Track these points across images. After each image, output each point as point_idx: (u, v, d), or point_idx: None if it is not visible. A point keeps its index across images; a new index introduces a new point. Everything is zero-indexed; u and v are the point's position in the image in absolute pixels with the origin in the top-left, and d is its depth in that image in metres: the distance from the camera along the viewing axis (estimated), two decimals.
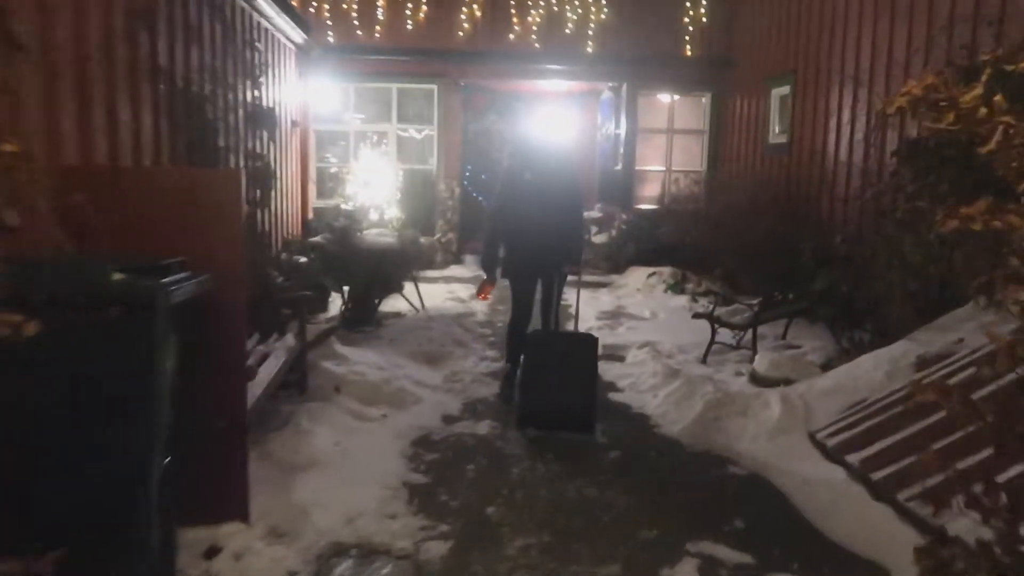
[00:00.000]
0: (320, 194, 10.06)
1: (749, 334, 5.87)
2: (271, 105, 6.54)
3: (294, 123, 8.02)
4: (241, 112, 5.69)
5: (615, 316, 7.51)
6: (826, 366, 5.35)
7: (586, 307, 7.82)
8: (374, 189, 8.70)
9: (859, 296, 5.30)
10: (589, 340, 4.67)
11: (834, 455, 3.94)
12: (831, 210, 7.65)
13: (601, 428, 4.53)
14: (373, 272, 6.75)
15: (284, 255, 6.56)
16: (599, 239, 10.07)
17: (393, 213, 8.35)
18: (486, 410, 4.81)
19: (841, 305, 5.55)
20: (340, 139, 10.54)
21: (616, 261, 10.09)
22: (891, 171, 5.61)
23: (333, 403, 4.50)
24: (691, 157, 11.08)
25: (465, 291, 8.72)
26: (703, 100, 10.92)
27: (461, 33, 10.10)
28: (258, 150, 6.06)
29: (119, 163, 3.55)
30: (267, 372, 3.64)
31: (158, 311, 2.30)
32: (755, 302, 6.07)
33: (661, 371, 5.52)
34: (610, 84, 10.88)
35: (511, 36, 10.20)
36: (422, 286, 8.46)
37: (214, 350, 2.88)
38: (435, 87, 10.51)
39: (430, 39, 10.09)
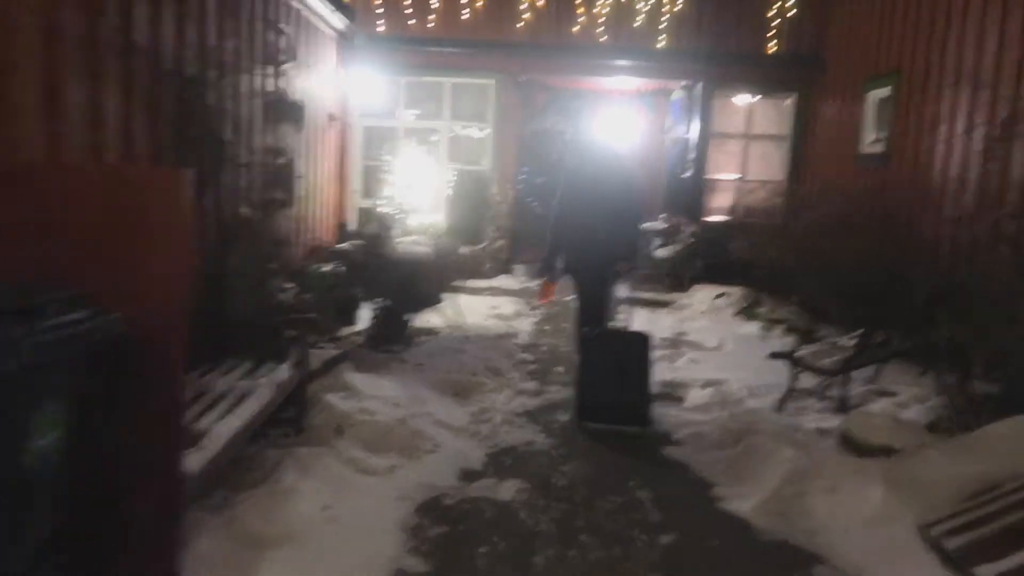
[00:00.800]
0: (368, 195, 9.45)
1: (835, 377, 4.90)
2: (299, 96, 5.90)
3: (331, 117, 7.39)
4: (259, 103, 5.05)
5: (675, 344, 6.61)
6: (933, 426, 4.37)
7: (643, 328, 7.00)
8: (417, 191, 8.01)
9: (984, 343, 4.28)
10: (641, 337, 4.86)
11: (958, 562, 3.00)
12: (936, 233, 6.56)
13: (652, 496, 3.70)
14: (404, 284, 6.05)
15: (310, 264, 5.92)
16: (663, 253, 9.14)
17: (435, 218, 7.64)
18: (514, 465, 4.02)
19: (957, 352, 4.53)
20: (390, 136, 9.89)
21: (680, 278, 9.14)
22: None
23: (331, 449, 3.79)
24: (769, 166, 10.02)
25: (511, 306, 7.94)
26: (786, 103, 9.85)
27: (521, 24, 9.32)
28: (280, 146, 5.43)
29: (67, 157, 2.90)
30: (231, 427, 2.93)
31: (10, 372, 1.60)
32: (845, 340, 5.10)
33: (728, 421, 4.64)
34: (682, 83, 9.93)
35: (575, 28, 9.37)
36: (464, 298, 7.74)
37: (138, 409, 2.18)
38: (492, 82, 9.77)
39: (488, 30, 9.35)
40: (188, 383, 3.06)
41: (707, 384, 5.45)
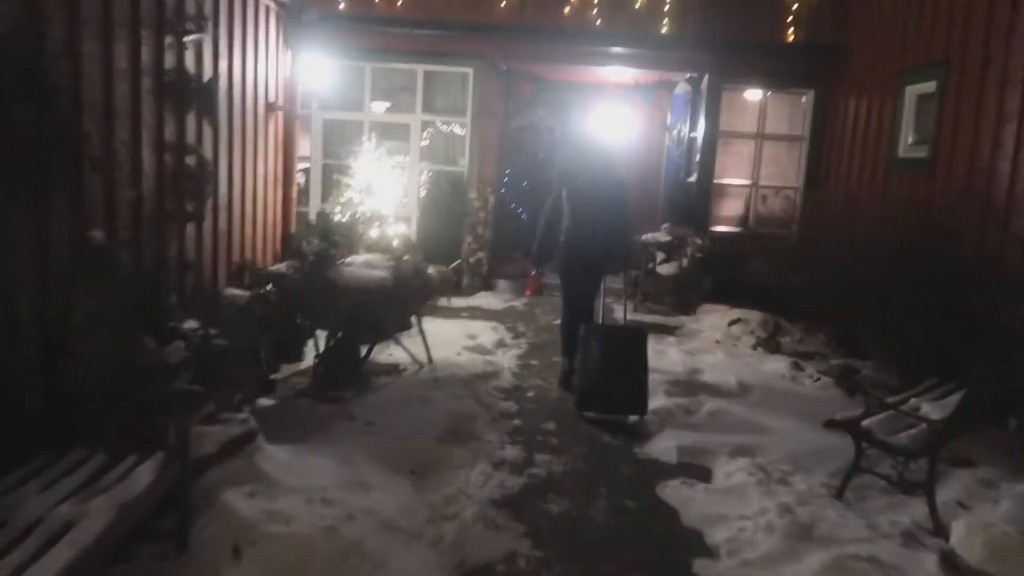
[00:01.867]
0: (326, 199, 8.17)
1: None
2: (213, 76, 4.62)
3: (271, 106, 6.11)
4: (149, 83, 3.79)
5: (690, 388, 5.41)
6: None
7: (651, 368, 5.82)
8: (382, 196, 6.77)
9: None
10: (639, 330, 5.28)
11: None
12: (1001, 253, 5.44)
13: None
14: (355, 315, 4.83)
15: (230, 290, 4.67)
16: (666, 269, 7.97)
17: (403, 228, 6.41)
18: None
19: None
20: (356, 131, 8.62)
21: (686, 297, 7.97)
22: None
23: None
24: (784, 169, 8.88)
25: (491, 334, 6.71)
26: (803, 99, 8.70)
27: (504, 4, 8.09)
28: (186, 141, 4.17)
29: None
30: None
31: None
32: (921, 401, 3.92)
33: (775, 516, 3.46)
34: (687, 75, 8.75)
35: (566, 10, 8.15)
36: (436, 323, 6.52)
37: None
38: (470, 71, 8.53)
39: (465, 10, 8.11)
40: None
41: (738, 451, 4.27)
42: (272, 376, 5.07)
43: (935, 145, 6.47)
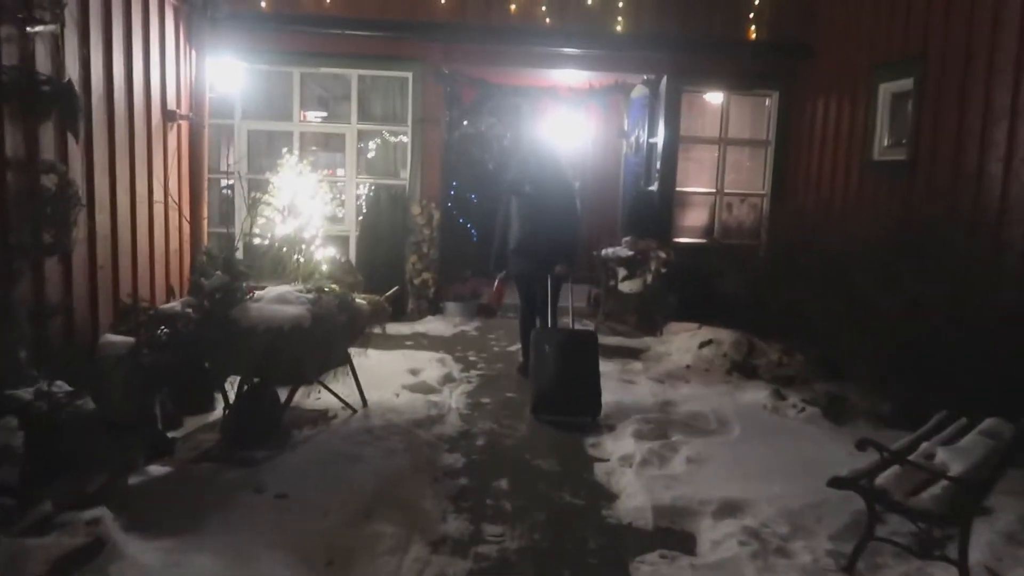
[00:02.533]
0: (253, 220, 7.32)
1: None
2: (82, 78, 3.79)
3: (171, 115, 5.28)
4: None
5: (662, 425, 4.74)
6: None
7: (614, 397, 5.20)
8: (310, 216, 5.98)
9: None
10: (589, 334, 5.41)
11: None
12: (998, 263, 4.92)
13: None
14: (266, 360, 4.05)
15: (110, 337, 3.85)
16: (629, 287, 7.33)
17: (328, 253, 5.65)
18: None
19: None
20: (285, 143, 7.82)
21: (651, 316, 7.34)
22: None
23: None
24: (749, 176, 8.35)
25: (437, 367, 5.96)
26: (767, 101, 8.19)
27: (444, 1, 7.39)
28: (40, 157, 3.35)
29: None
30: None
31: None
32: (940, 452, 3.30)
33: None
34: (644, 77, 8.16)
35: (512, 7, 7.50)
36: (375, 356, 5.73)
37: None
38: (409, 75, 7.81)
39: (402, 8, 7.40)
40: None
41: (724, 509, 3.60)
42: (172, 434, 4.27)
43: (914, 147, 5.98)
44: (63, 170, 3.53)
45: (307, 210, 5.77)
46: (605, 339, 6.85)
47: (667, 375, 6.00)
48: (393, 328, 6.82)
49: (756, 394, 5.44)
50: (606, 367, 6.07)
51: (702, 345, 6.39)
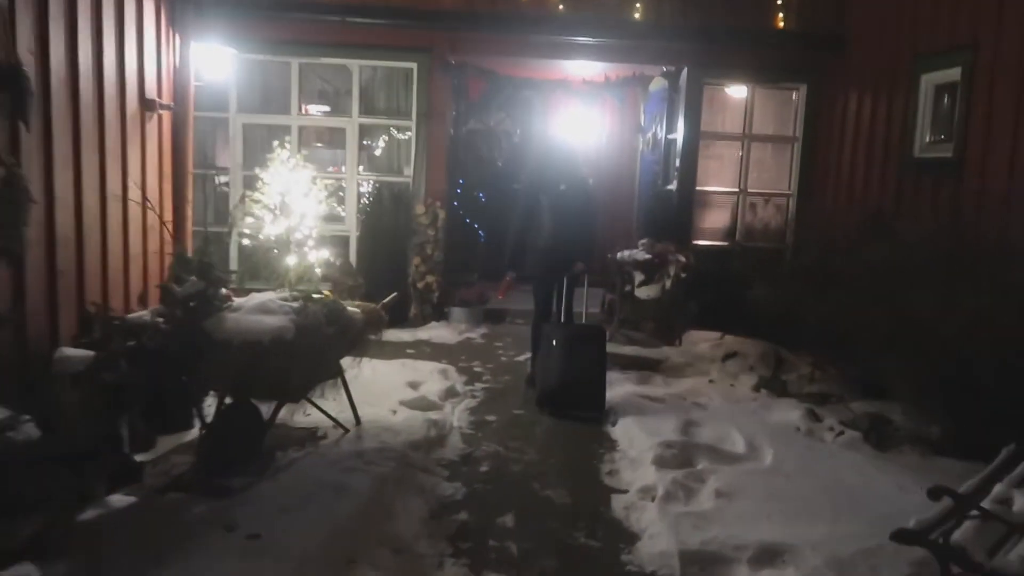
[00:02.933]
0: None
1: None
2: (37, 59, 3.35)
3: (150, 105, 4.84)
4: None
5: (687, 451, 4.26)
6: None
7: (631, 416, 4.75)
8: (305, 216, 5.55)
9: None
10: (597, 329, 5.38)
11: None
12: None
13: None
14: (244, 376, 3.61)
15: (66, 351, 3.41)
16: (646, 292, 6.85)
17: (323, 255, 5.21)
18: None
19: None
20: (283, 137, 7.37)
21: (669, 324, 6.86)
22: None
23: None
24: (774, 175, 7.84)
25: (439, 380, 5.51)
26: (795, 94, 7.68)
27: None
28: None
29: None
30: None
31: None
32: (1019, 496, 2.81)
33: None
34: (663, 68, 7.67)
35: None
36: (372, 365, 5.28)
37: None
38: (414, 67, 7.36)
39: None
40: None
41: (762, 555, 3.13)
42: (142, 456, 3.84)
43: (962, 143, 5.46)
44: (12, 162, 3.10)
45: (300, 208, 5.34)
46: (620, 348, 6.38)
47: (689, 391, 5.52)
48: (394, 335, 6.41)
49: (788, 414, 4.95)
50: (622, 380, 5.64)
51: (726, 357, 5.91)
